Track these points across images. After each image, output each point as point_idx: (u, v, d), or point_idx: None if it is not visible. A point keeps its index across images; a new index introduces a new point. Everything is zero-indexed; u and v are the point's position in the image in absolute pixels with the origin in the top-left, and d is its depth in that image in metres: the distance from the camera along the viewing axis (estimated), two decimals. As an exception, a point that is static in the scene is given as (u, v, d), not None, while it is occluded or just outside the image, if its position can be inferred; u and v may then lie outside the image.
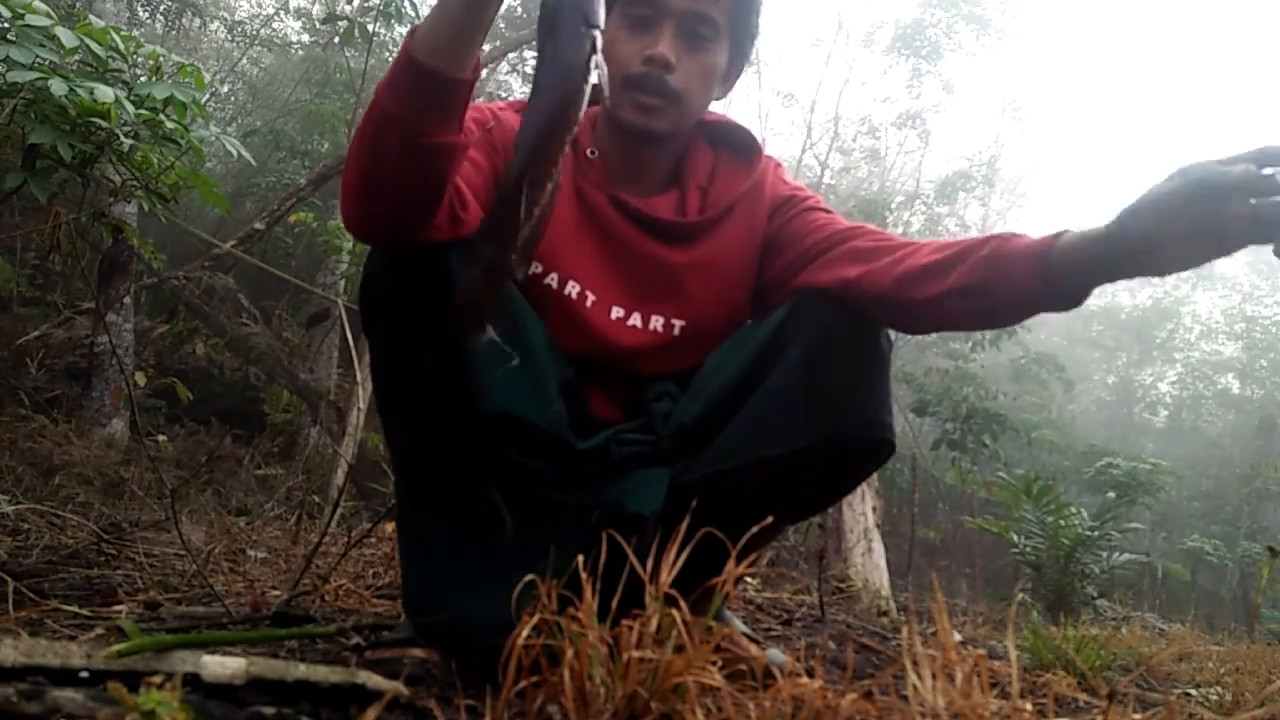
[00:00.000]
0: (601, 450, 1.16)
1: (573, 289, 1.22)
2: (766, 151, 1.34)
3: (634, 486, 1.12)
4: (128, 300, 4.54)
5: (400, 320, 1.08)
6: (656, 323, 1.25)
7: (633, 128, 1.20)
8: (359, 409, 3.62)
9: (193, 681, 0.76)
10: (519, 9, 10.57)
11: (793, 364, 1.11)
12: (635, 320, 1.24)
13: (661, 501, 1.08)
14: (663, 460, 1.16)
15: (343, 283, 5.23)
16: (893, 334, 1.19)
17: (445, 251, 1.05)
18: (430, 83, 0.93)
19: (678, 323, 1.25)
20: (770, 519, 0.95)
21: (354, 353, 3.31)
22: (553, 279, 1.21)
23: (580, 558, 0.83)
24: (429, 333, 1.07)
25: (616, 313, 1.23)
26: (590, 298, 1.22)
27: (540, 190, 0.85)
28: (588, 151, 1.26)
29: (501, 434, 1.09)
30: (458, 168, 1.02)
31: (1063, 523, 5.07)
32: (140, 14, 7.35)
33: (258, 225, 5.09)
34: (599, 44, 0.86)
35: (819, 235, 1.22)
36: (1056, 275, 0.98)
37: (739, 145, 1.33)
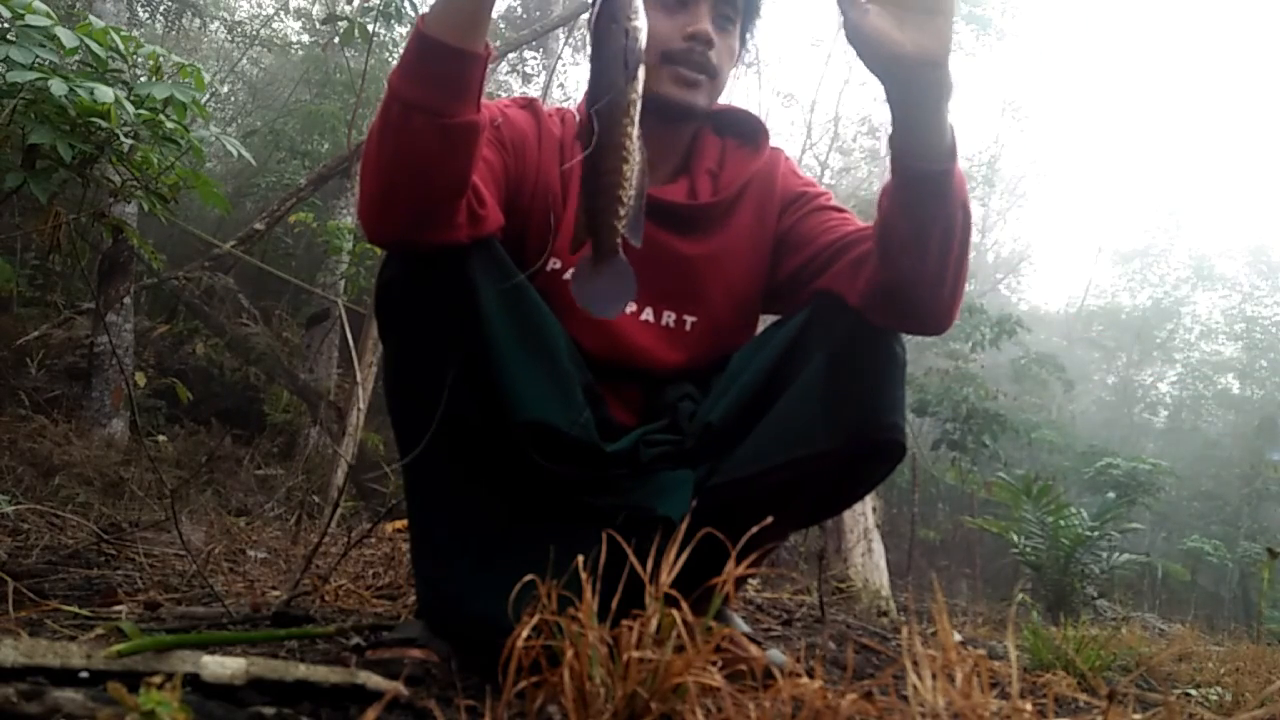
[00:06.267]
0: (630, 452, 1.16)
1: None
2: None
3: (661, 489, 1.13)
4: (128, 300, 4.54)
5: (420, 326, 1.08)
6: (669, 318, 1.26)
7: (672, 101, 1.22)
8: (359, 409, 3.62)
9: (193, 681, 0.76)
10: (519, 9, 10.59)
11: (817, 368, 1.12)
12: (648, 315, 1.25)
13: (690, 505, 1.08)
14: (687, 461, 1.16)
15: (343, 283, 5.23)
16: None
17: (466, 255, 1.05)
18: (447, 60, 0.94)
19: (690, 318, 1.26)
20: (770, 518, 0.95)
21: (354, 353, 3.31)
22: (571, 274, 1.21)
23: (580, 558, 0.83)
24: (449, 338, 1.07)
25: (630, 307, 1.24)
26: None
27: (617, 175, 0.94)
28: None
29: (532, 442, 1.08)
30: (479, 152, 1.02)
31: (1063, 523, 5.08)
32: (140, 14, 7.35)
33: (258, 225, 5.09)
34: (638, 37, 0.93)
35: (830, 237, 1.22)
36: (898, 146, 1.00)
37: (745, 130, 1.35)
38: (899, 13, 0.92)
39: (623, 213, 0.96)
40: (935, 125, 0.97)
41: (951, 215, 1.02)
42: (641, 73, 0.94)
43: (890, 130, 1.00)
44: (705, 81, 1.23)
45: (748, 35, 1.31)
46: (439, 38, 0.94)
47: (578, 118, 1.28)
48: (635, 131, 0.94)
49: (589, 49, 0.97)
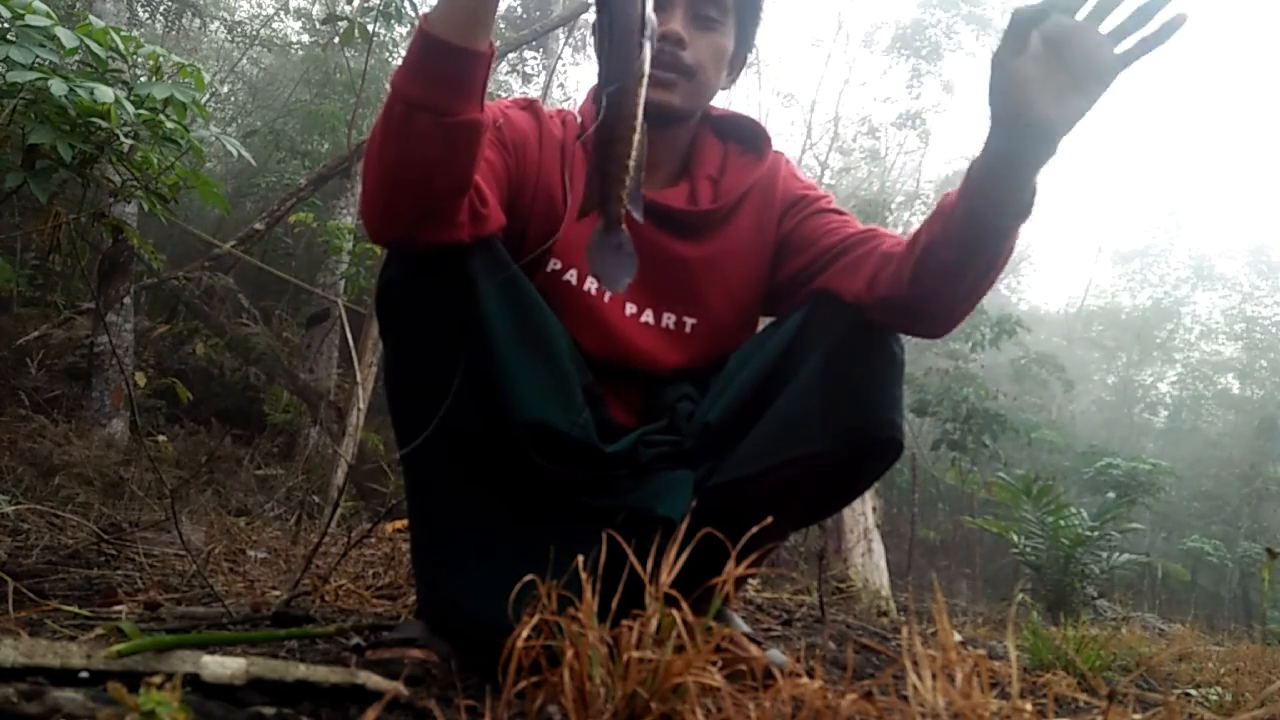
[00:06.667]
0: (630, 453, 1.17)
1: (591, 284, 1.22)
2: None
3: (660, 489, 1.13)
4: (128, 300, 4.55)
5: (421, 325, 1.07)
6: (669, 320, 1.26)
7: (648, 105, 1.21)
8: (359, 409, 3.62)
9: (193, 681, 0.76)
10: (519, 9, 10.59)
11: (814, 367, 1.12)
12: (648, 317, 1.25)
13: (689, 505, 1.08)
14: (686, 461, 1.17)
15: (343, 283, 5.24)
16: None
17: (467, 254, 1.05)
18: (450, 58, 0.94)
19: (689, 320, 1.26)
20: (770, 518, 0.95)
21: (354, 353, 3.31)
22: (572, 275, 1.22)
23: (580, 558, 0.83)
24: (450, 339, 1.06)
25: (630, 309, 1.24)
26: (607, 293, 1.23)
27: (628, 145, 0.94)
28: None
29: (532, 442, 1.09)
30: (482, 150, 1.02)
31: (1063, 523, 5.08)
32: (140, 14, 7.36)
33: (258, 225, 5.10)
34: (649, 5, 0.93)
35: (831, 240, 1.22)
36: (976, 186, 0.98)
37: (747, 136, 1.34)
38: (1054, 71, 0.89)
39: (628, 183, 0.96)
40: (1022, 184, 0.97)
41: (998, 253, 1.03)
42: (650, 47, 0.94)
43: (976, 166, 0.98)
44: (679, 81, 1.21)
45: (749, 33, 1.30)
46: (442, 36, 0.94)
47: (579, 119, 1.28)
48: (643, 103, 0.94)
49: (600, 19, 0.96)
